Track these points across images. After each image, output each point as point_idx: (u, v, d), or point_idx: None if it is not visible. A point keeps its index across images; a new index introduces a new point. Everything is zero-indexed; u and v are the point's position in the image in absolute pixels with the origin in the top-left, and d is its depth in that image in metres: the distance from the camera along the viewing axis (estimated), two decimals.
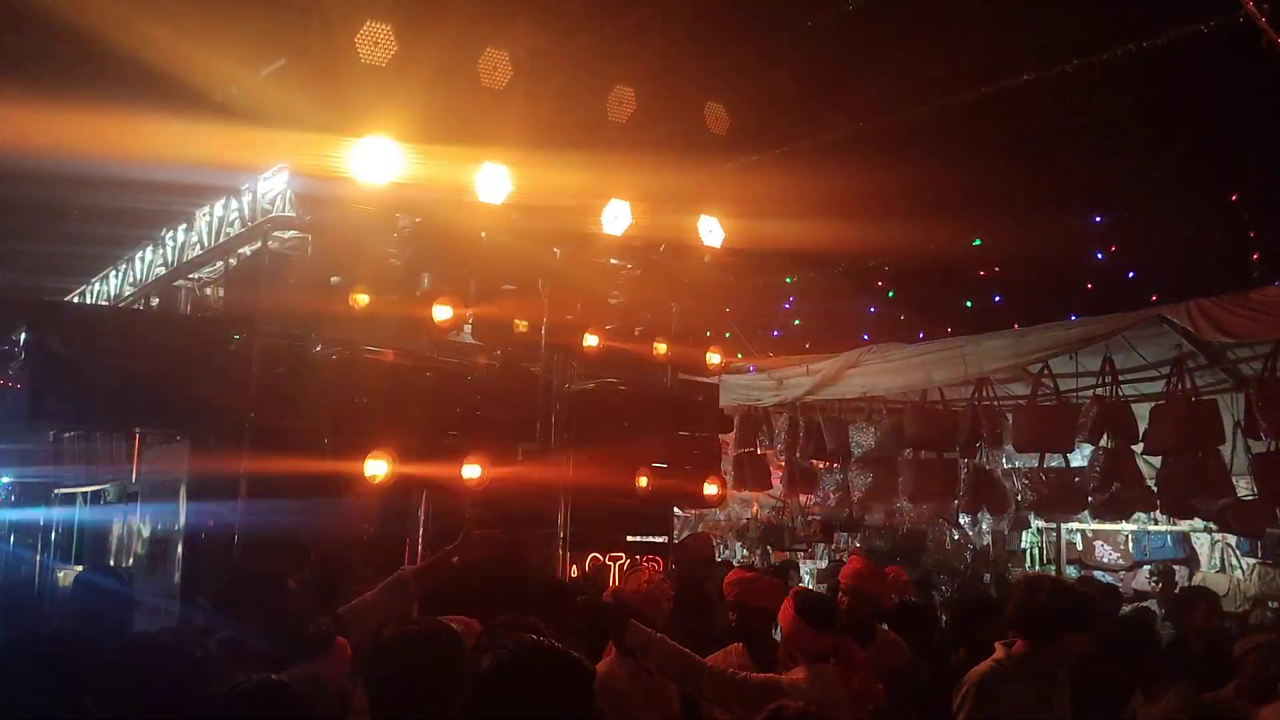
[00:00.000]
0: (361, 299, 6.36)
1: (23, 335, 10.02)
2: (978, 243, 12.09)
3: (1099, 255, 12.41)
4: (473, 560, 5.87)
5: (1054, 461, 10.06)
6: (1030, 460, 10.16)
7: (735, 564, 11.81)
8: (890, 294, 13.05)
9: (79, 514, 9.81)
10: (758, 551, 13.31)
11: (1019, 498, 10.34)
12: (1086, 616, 4.64)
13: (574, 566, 7.66)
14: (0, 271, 11.08)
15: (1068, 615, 4.55)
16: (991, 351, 9.44)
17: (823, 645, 4.70)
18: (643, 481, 7.48)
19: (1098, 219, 12.16)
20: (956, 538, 12.14)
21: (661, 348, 7.88)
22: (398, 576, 5.21)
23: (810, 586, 10.67)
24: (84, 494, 9.61)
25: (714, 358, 8.18)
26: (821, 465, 11.76)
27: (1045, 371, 9.60)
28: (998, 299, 12.52)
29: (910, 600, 7.68)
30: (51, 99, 6.41)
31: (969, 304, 12.67)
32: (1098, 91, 9.16)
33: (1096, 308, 9.79)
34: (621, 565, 7.94)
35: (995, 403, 10.34)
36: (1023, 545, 12.30)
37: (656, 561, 8.02)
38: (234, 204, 7.29)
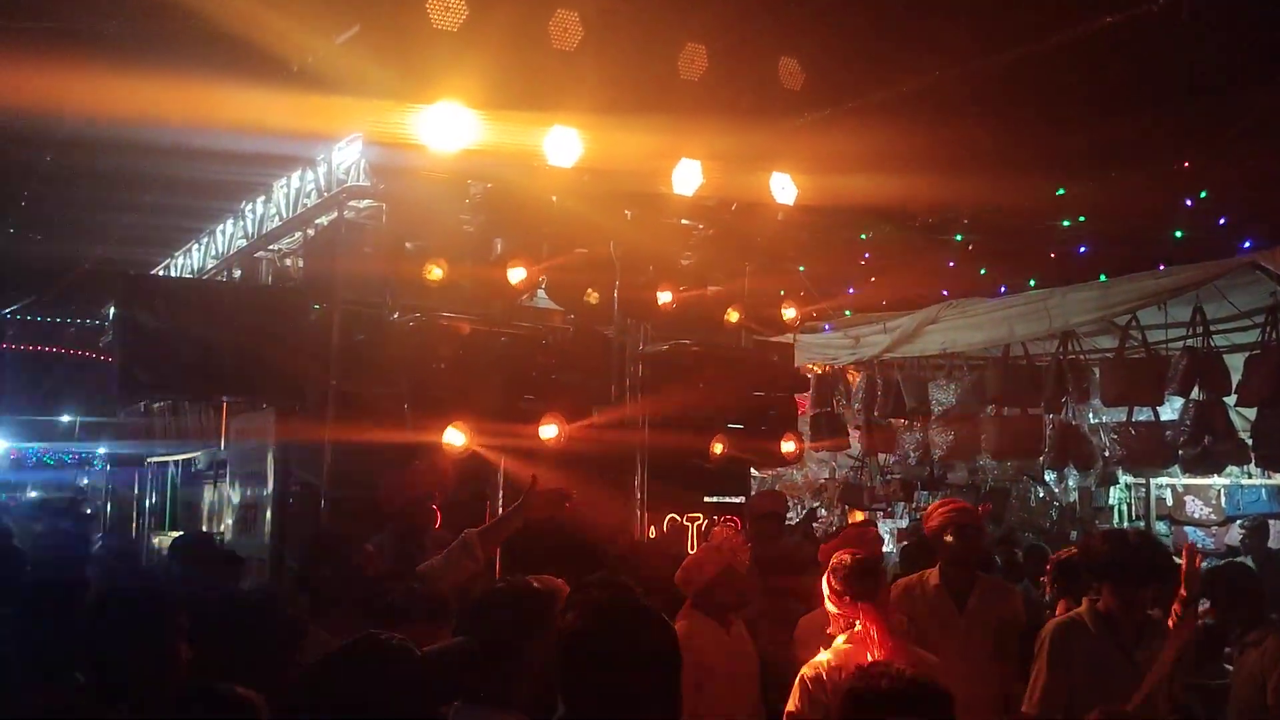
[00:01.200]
0: (436, 272, 6.41)
1: (111, 310, 10.33)
2: (1061, 192, 11.75)
3: (1188, 202, 11.97)
4: (546, 520, 5.95)
5: (1143, 415, 9.80)
6: (1118, 414, 9.91)
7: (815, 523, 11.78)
8: (970, 247, 12.76)
9: (171, 482, 10.14)
10: (836, 511, 13.23)
11: (1106, 453, 10.10)
12: (1168, 569, 4.55)
13: (652, 528, 7.69)
14: (90, 245, 11.42)
15: (1148, 568, 4.46)
16: (1077, 304, 9.19)
17: (850, 611, 4.62)
18: (718, 449, 7.48)
19: (1186, 164, 11.72)
20: (1042, 495, 11.92)
21: (734, 309, 7.82)
22: (463, 539, 5.29)
23: (891, 547, 10.59)
24: (175, 463, 9.93)
25: (789, 314, 8.10)
26: (901, 423, 11.62)
27: (1133, 323, 9.33)
28: (1082, 249, 12.16)
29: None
30: (135, 68, 6.56)
31: (1052, 255, 12.33)
32: (1185, 32, 8.80)
33: (1186, 256, 9.46)
34: (699, 526, 7.96)
35: (1081, 356, 10.09)
36: (1110, 501, 12.03)
37: (734, 522, 8.01)
38: (310, 175, 7.40)
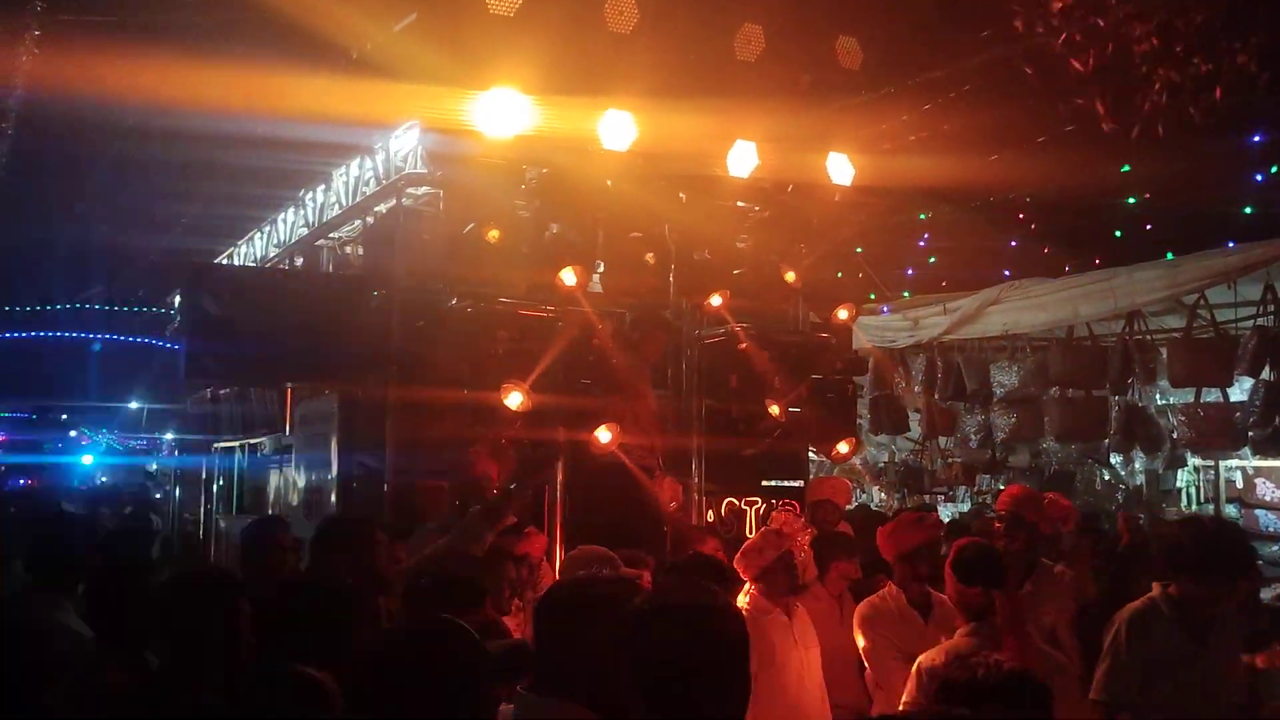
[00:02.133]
0: (493, 234, 6.42)
1: (178, 298, 10.54)
2: (1126, 169, 11.50)
3: (1259, 177, 11.65)
4: (605, 502, 5.99)
5: (1211, 396, 9.59)
6: (1186, 395, 9.72)
7: (872, 508, 11.68)
8: (1032, 226, 12.54)
9: (237, 466, 10.35)
10: (896, 495, 13.12)
11: (1174, 435, 9.92)
12: (1244, 561, 4.42)
13: (709, 512, 7.68)
14: (156, 235, 11.67)
15: (1224, 559, 4.34)
16: (1143, 283, 9.02)
17: (973, 600, 4.43)
18: (774, 410, 7.38)
19: (1257, 138, 11.40)
20: (1107, 478, 11.71)
21: (791, 290, 7.76)
22: (468, 520, 5.33)
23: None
24: (241, 447, 10.12)
25: (843, 313, 8.00)
26: (961, 406, 11.48)
27: (1201, 302, 9.14)
28: (1149, 227, 11.90)
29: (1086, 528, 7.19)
30: (199, 59, 6.68)
31: (1118, 234, 12.08)
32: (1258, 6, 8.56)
33: (1256, 233, 9.22)
34: (757, 510, 7.93)
35: (1148, 336, 9.90)
36: (1178, 484, 11.78)
37: (793, 506, 7.97)
38: (368, 163, 7.47)
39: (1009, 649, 4.08)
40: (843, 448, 7.91)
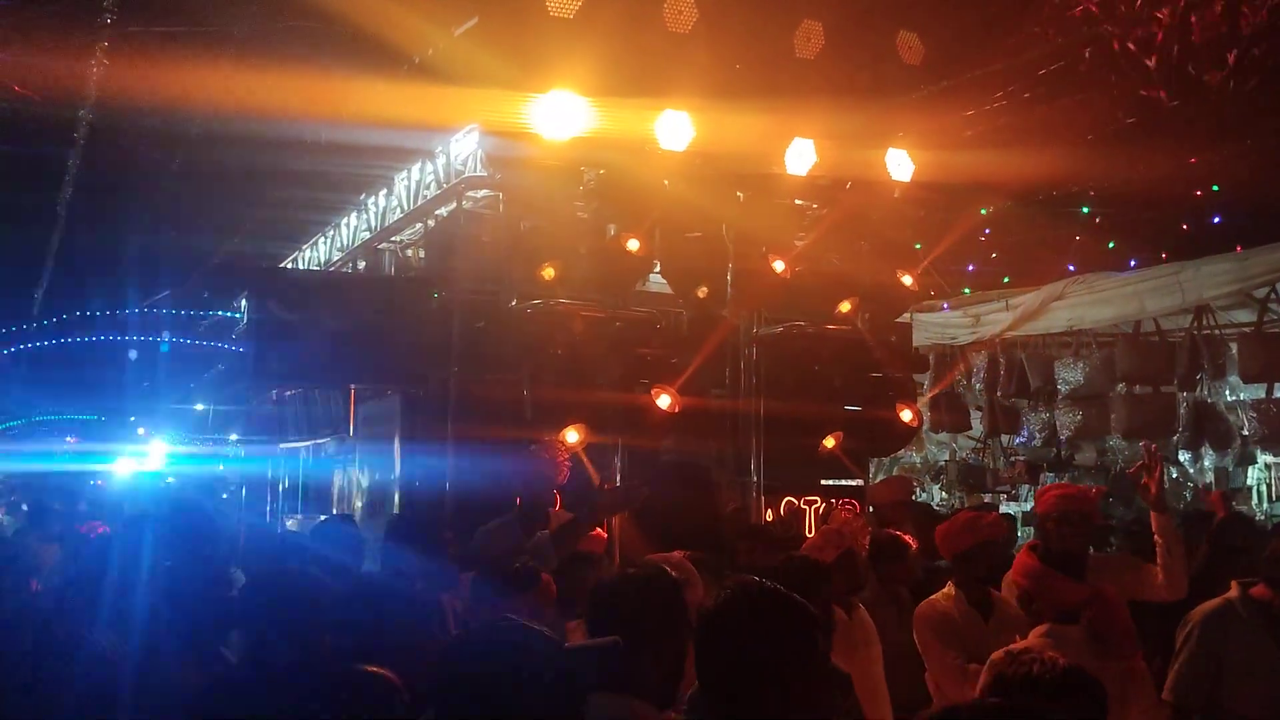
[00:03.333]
0: (549, 272, 6.52)
1: (244, 301, 10.75)
2: (1193, 161, 11.26)
3: None
4: (666, 503, 6.00)
5: None
6: (1256, 391, 9.51)
7: (934, 508, 11.56)
8: (1097, 220, 12.32)
9: (303, 467, 10.53)
10: (956, 494, 12.98)
11: (1245, 431, 9.70)
12: None
13: (769, 511, 7.67)
14: (225, 239, 11.90)
15: None
16: (1211, 277, 8.83)
17: (1071, 597, 4.38)
18: (829, 443, 7.40)
19: None
20: (1175, 475, 11.49)
21: (849, 289, 7.72)
22: (536, 543, 5.37)
23: (1019, 531, 10.33)
24: (306, 448, 10.30)
25: (906, 294, 7.94)
26: (1025, 403, 11.32)
27: (1272, 296, 8.94)
28: (1217, 220, 11.64)
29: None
30: (262, 66, 6.80)
31: (1185, 227, 11.83)
32: None
33: None
34: (817, 509, 7.90)
35: (1217, 331, 9.70)
36: (1248, 482, 11.52)
37: (853, 505, 7.93)
38: (429, 166, 7.57)
39: (1119, 632, 4.15)
40: (905, 414, 7.81)
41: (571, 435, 6.43)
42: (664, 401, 6.62)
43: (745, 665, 2.38)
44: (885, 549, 6.08)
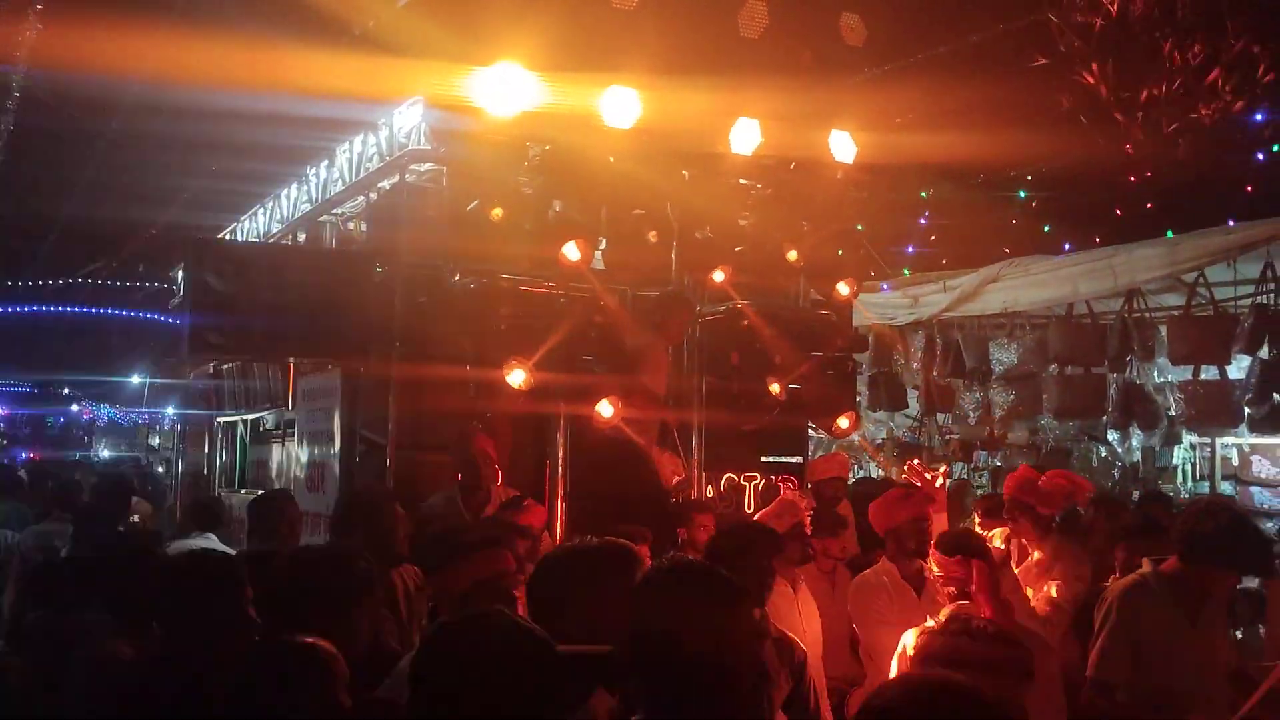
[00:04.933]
0: (496, 212, 6.46)
1: (180, 272, 10.56)
2: (1127, 147, 11.50)
3: (1259, 156, 11.64)
4: (608, 479, 6.03)
5: (1209, 374, 9.63)
6: (1184, 373, 9.76)
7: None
8: (1033, 204, 12.54)
9: (240, 441, 10.40)
10: (893, 471, 13.19)
11: (1171, 412, 9.96)
12: (1251, 559, 4.46)
13: (709, 487, 7.75)
14: (158, 210, 11.68)
15: (1229, 554, 4.37)
16: (1143, 261, 9.04)
17: (954, 571, 4.49)
18: (774, 388, 7.44)
19: (1259, 117, 11.39)
20: (1104, 455, 11.78)
21: (793, 268, 7.79)
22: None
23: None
24: (244, 422, 10.17)
25: (844, 288, 8.03)
26: (960, 383, 11.52)
27: (1201, 280, 9.16)
28: (1149, 205, 11.91)
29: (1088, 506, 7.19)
30: (200, 33, 6.68)
31: (1118, 212, 12.09)
32: None
33: (1257, 211, 9.23)
34: (757, 486, 8.00)
35: (1147, 314, 9.93)
36: (1174, 461, 11.84)
37: (791, 481, 8.04)
38: (372, 139, 7.48)
39: (990, 617, 4.10)
40: (843, 422, 7.98)
41: (516, 377, 6.34)
42: (606, 410, 6.59)
43: (663, 640, 2.40)
44: (820, 523, 6.20)
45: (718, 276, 7.39)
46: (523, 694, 2.28)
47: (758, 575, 4.12)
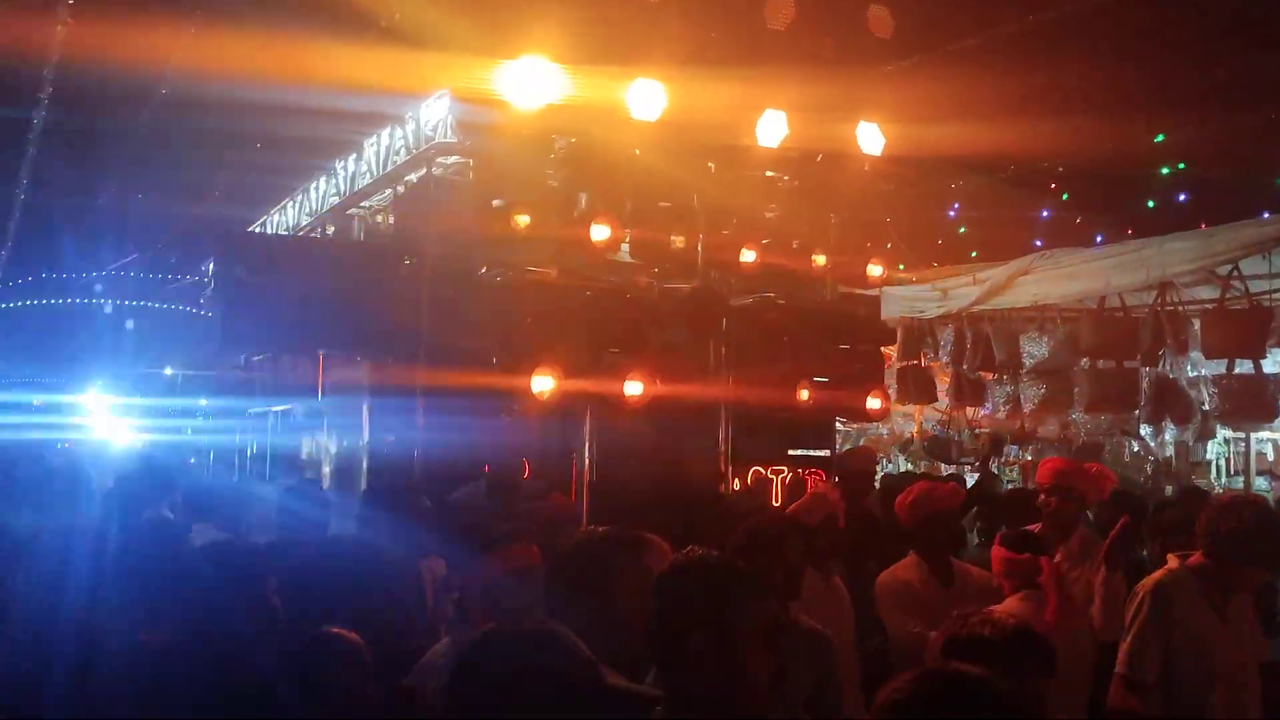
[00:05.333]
0: (522, 219, 6.50)
1: (211, 265, 10.65)
2: (1160, 139, 11.36)
3: None
4: (634, 473, 6.02)
5: (1243, 368, 9.50)
6: (1217, 367, 9.62)
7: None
8: (1065, 196, 12.42)
9: (270, 432, 10.49)
10: (922, 465, 13.11)
11: (1205, 406, 9.82)
12: (1275, 555, 4.41)
13: (736, 480, 7.73)
14: (190, 203, 11.78)
15: (1253, 550, 4.33)
16: (1176, 253, 8.90)
17: (1022, 567, 4.60)
18: (803, 394, 7.43)
19: None
20: (1136, 449, 11.64)
21: (820, 260, 7.76)
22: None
23: None
24: (274, 414, 10.26)
25: (875, 269, 8.01)
26: (990, 376, 11.43)
27: (1235, 273, 9.02)
28: (1182, 197, 11.76)
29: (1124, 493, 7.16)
30: (231, 29, 6.72)
31: (1151, 204, 11.95)
32: None
33: None
34: (784, 479, 7.97)
35: (1180, 307, 9.80)
36: (1208, 456, 11.70)
37: (819, 475, 8.01)
38: (399, 132, 7.51)
39: (1052, 609, 4.31)
40: (873, 402, 7.89)
41: (542, 383, 6.38)
42: (635, 389, 6.59)
43: (677, 635, 2.39)
44: (851, 519, 6.15)
45: (747, 255, 7.34)
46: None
47: (788, 569, 4.10)
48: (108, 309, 22.24)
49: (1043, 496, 5.91)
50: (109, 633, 3.91)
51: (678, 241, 7.26)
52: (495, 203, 6.78)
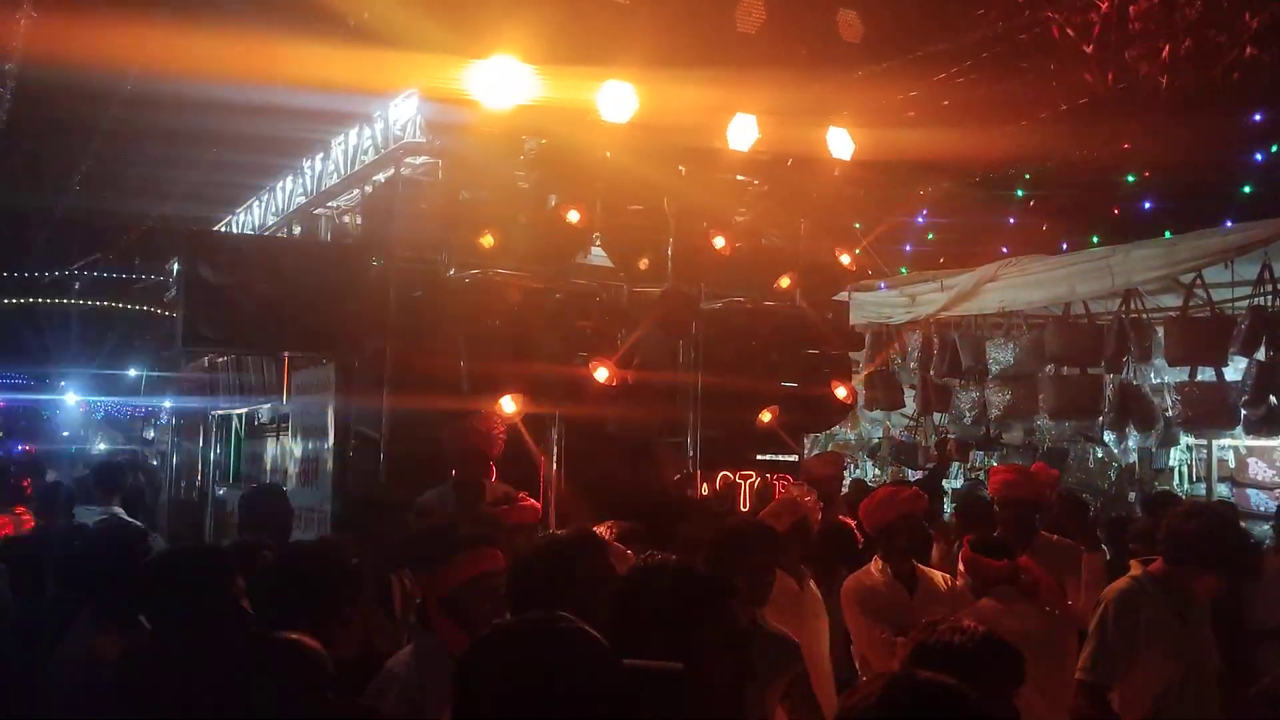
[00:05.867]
0: (488, 239, 6.48)
1: (175, 265, 10.52)
2: (1125, 146, 11.48)
3: (1258, 156, 11.63)
4: (600, 476, 6.00)
5: (1206, 375, 9.61)
6: (1180, 374, 9.73)
7: (867, 483, 11.74)
8: (1031, 203, 12.53)
9: (235, 435, 10.36)
10: (890, 470, 13.17)
11: (1168, 413, 9.93)
12: (1233, 560, 4.48)
13: (704, 484, 7.72)
14: (154, 202, 11.63)
15: (1212, 556, 4.38)
16: (1140, 261, 9.00)
17: (997, 572, 4.74)
18: (765, 418, 7.48)
19: (1257, 117, 11.37)
20: (1100, 456, 11.76)
21: (788, 274, 7.78)
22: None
23: (947, 506, 10.49)
24: (239, 416, 10.13)
25: (844, 257, 8.00)
26: (957, 382, 11.50)
27: (1198, 281, 9.13)
28: (1147, 205, 11.89)
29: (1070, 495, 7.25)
30: (196, 24, 6.65)
31: (1116, 211, 12.07)
32: None
33: (1255, 212, 9.21)
34: (752, 484, 7.96)
35: (1144, 315, 9.90)
36: (1170, 463, 11.82)
37: (786, 479, 8.01)
38: (367, 131, 7.45)
39: (1049, 586, 4.60)
40: (840, 391, 7.91)
41: (508, 405, 6.42)
42: (601, 374, 6.61)
43: (637, 641, 2.36)
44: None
45: (718, 243, 7.33)
46: (587, 713, 1.98)
47: (755, 574, 4.10)
48: (72, 308, 21.98)
49: (998, 509, 6.02)
50: (63, 636, 3.84)
51: (643, 266, 7.23)
52: (462, 195, 6.72)
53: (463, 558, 3.67)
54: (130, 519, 7.10)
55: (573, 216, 6.55)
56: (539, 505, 6.29)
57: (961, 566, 5.03)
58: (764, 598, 4.19)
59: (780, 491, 6.37)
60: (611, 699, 2.00)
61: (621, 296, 7.62)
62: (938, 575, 5.50)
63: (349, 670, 3.10)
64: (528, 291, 6.83)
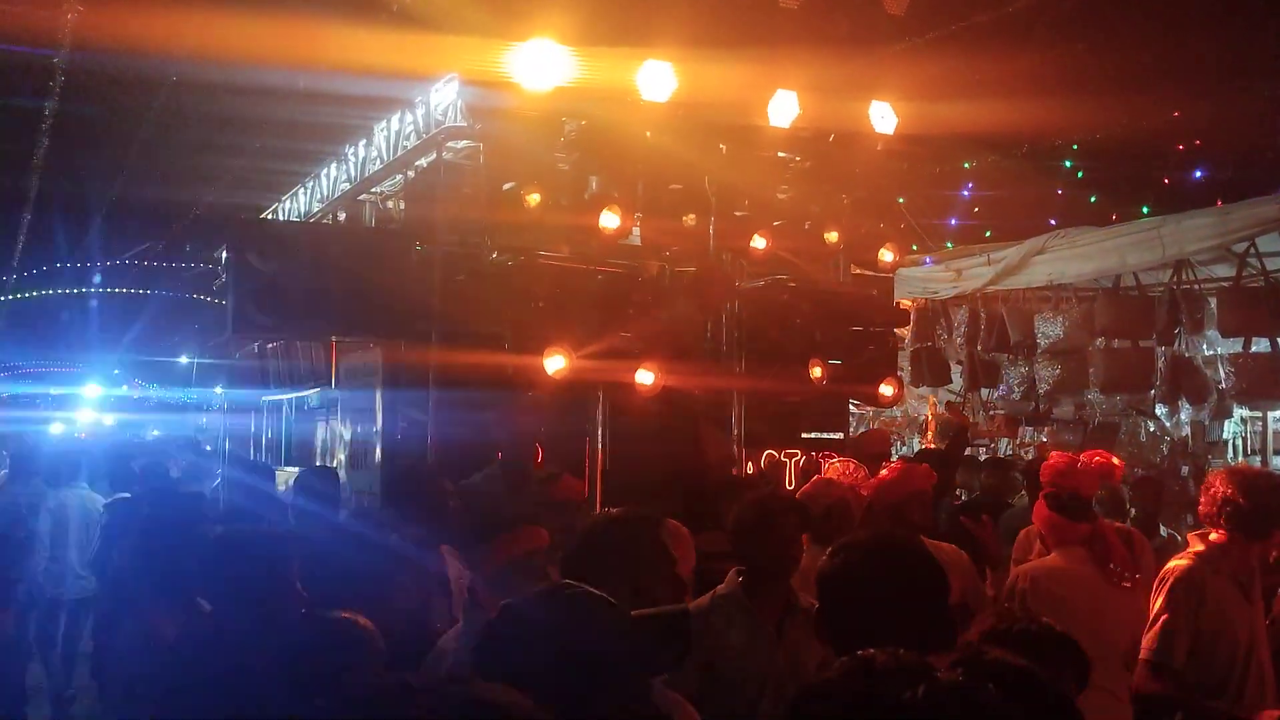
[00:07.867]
0: (533, 198, 6.47)
1: (224, 253, 10.68)
2: (1175, 115, 11.24)
3: None
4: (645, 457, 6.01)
5: (1260, 346, 9.43)
6: (1234, 346, 9.56)
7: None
8: (1080, 174, 12.32)
9: (285, 420, 10.52)
10: (937, 448, 13.06)
11: (1221, 385, 9.77)
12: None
13: (750, 464, 7.72)
14: (202, 189, 11.79)
15: (1266, 522, 4.30)
16: (1192, 231, 8.83)
17: (1072, 534, 4.68)
18: (816, 372, 7.39)
19: None
20: (1153, 429, 11.59)
21: (833, 241, 7.72)
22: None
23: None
24: (289, 401, 10.29)
25: (887, 254, 7.94)
26: (1005, 357, 11.38)
27: (1251, 250, 8.95)
28: (1198, 175, 11.65)
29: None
30: (241, 11, 6.71)
31: (1166, 181, 11.85)
32: None
33: None
34: (797, 463, 7.94)
35: (1196, 286, 9.73)
36: (1224, 436, 11.63)
37: (832, 457, 7.97)
38: (409, 116, 7.50)
39: (1118, 559, 4.54)
40: (886, 390, 7.86)
41: (558, 360, 6.38)
42: (646, 379, 6.58)
43: (878, 623, 2.37)
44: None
45: (758, 243, 7.32)
46: (608, 663, 2.15)
47: (780, 548, 4.10)
48: (121, 298, 22.35)
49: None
50: (123, 617, 3.92)
51: (689, 222, 7.22)
52: (506, 186, 6.75)
53: (509, 536, 3.71)
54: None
55: (609, 220, 6.54)
56: (583, 485, 6.33)
57: (1036, 523, 4.97)
58: (788, 574, 4.19)
59: (827, 470, 6.32)
60: (619, 651, 2.19)
61: (664, 277, 7.62)
62: (945, 547, 5.47)
63: (402, 647, 3.14)
64: (570, 274, 6.85)
